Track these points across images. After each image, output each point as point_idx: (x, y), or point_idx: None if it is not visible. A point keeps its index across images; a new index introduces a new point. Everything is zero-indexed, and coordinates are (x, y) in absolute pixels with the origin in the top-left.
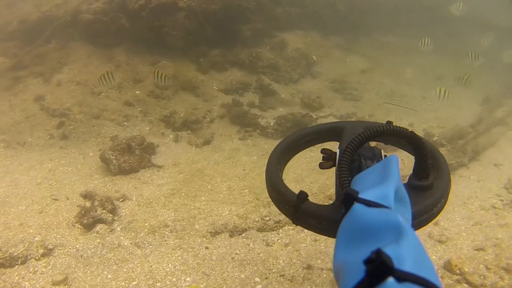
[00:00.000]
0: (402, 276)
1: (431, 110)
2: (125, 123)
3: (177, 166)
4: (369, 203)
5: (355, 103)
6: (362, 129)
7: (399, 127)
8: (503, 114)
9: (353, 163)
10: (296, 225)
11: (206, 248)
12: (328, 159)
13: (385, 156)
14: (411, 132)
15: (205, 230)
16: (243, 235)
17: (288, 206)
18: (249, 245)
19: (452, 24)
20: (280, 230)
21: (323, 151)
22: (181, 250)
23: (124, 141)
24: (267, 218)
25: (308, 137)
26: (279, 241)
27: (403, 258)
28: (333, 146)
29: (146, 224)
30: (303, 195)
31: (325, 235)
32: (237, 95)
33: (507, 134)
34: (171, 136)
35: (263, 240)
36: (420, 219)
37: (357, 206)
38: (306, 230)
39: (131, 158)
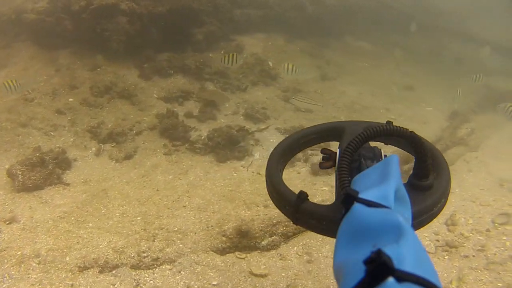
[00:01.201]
0: (402, 276)
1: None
2: (52, 133)
3: (86, 184)
4: (369, 203)
5: (307, 115)
6: (362, 129)
7: (399, 127)
8: (465, 132)
9: (353, 163)
10: (296, 225)
11: (71, 285)
12: (328, 159)
13: (385, 156)
14: (411, 132)
15: (74, 263)
16: (114, 272)
17: (288, 206)
18: (114, 285)
19: (429, 30)
20: (157, 269)
21: (323, 151)
22: (40, 286)
23: (37, 154)
24: (145, 254)
25: (308, 137)
26: (151, 281)
27: (403, 258)
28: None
29: (19, 253)
30: (303, 195)
31: (325, 235)
32: (177, 104)
33: (466, 156)
34: (93, 149)
35: (134, 279)
36: (420, 219)
37: (357, 206)
38: (184, 272)
39: (37, 174)
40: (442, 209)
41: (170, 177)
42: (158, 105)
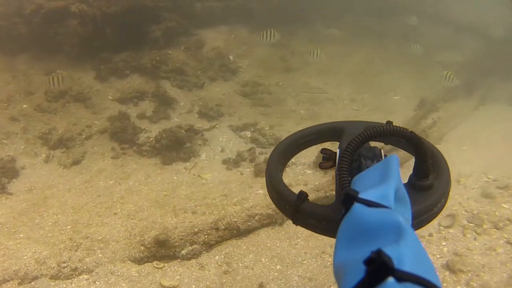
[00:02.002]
0: (402, 276)
1: (356, 116)
2: (4, 141)
3: (29, 193)
4: (369, 203)
5: (264, 110)
6: (362, 129)
7: (399, 127)
8: (429, 123)
9: (353, 163)
10: (296, 225)
11: None
12: (328, 159)
13: (385, 156)
14: (411, 132)
15: None
16: (33, 283)
17: (288, 206)
18: None
19: (402, 16)
20: (75, 280)
21: (323, 151)
22: None
23: None
24: (65, 265)
25: (308, 137)
26: None
27: (403, 258)
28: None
29: None
30: (303, 195)
31: (325, 235)
32: (131, 105)
33: None
34: (43, 155)
35: None
36: (420, 219)
37: (357, 206)
38: (98, 282)
39: None
40: (442, 209)
41: (111, 182)
42: (112, 107)
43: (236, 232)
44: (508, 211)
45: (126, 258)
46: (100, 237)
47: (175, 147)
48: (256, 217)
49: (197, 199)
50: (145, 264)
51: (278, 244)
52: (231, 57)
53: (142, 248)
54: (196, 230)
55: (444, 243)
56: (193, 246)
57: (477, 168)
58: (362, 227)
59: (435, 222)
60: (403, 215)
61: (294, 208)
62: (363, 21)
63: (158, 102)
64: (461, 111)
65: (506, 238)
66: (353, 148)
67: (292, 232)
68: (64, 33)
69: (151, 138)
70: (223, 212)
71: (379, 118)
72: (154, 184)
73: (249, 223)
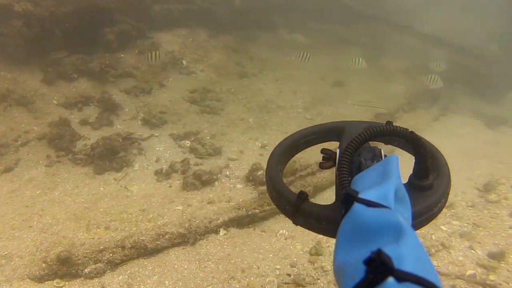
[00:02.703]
0: (402, 276)
1: (305, 126)
2: None
3: None
4: (369, 203)
5: (211, 117)
6: (363, 129)
7: (399, 127)
8: None
9: (353, 163)
10: (296, 225)
11: None
12: (328, 159)
13: (385, 156)
14: (411, 132)
15: None
16: None
17: (288, 206)
18: None
19: (370, 23)
20: None
21: (323, 151)
22: None
23: None
24: None
25: (308, 137)
26: None
27: (403, 258)
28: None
29: None
30: (303, 195)
31: (325, 235)
32: (76, 110)
33: None
34: None
35: None
36: (420, 219)
37: (357, 206)
38: None
39: None
40: (442, 209)
41: (38, 192)
42: (55, 112)
43: (144, 251)
44: (445, 234)
45: (25, 276)
46: (6, 252)
47: (109, 156)
48: (167, 236)
49: (114, 214)
50: (46, 282)
51: (186, 266)
52: (184, 62)
53: (44, 265)
54: (101, 247)
55: None
56: (97, 265)
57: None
58: (362, 227)
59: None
60: (403, 215)
61: (294, 208)
62: (330, 28)
63: (103, 107)
64: (419, 122)
65: (435, 265)
66: (353, 148)
67: (203, 253)
68: (8, 34)
69: (88, 146)
70: (134, 228)
71: None
72: (79, 196)
73: (157, 242)
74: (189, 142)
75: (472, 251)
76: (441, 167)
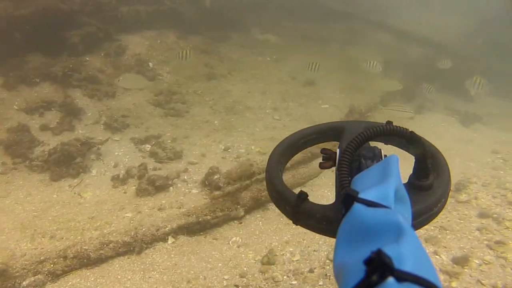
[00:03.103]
0: (402, 276)
1: (274, 127)
2: None
3: None
4: (369, 203)
5: (176, 120)
6: (362, 129)
7: (399, 127)
8: None
9: (353, 163)
10: (296, 225)
11: None
12: (328, 159)
13: (385, 156)
14: (411, 132)
15: None
16: None
17: (288, 206)
18: None
19: (347, 21)
20: None
21: (323, 151)
22: None
23: None
24: None
25: (308, 137)
26: None
27: (403, 258)
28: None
29: None
30: (303, 195)
31: (325, 235)
32: (37, 115)
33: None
34: None
35: None
36: (420, 219)
37: (357, 206)
38: None
39: None
40: (442, 209)
41: None
42: (16, 118)
43: (87, 261)
44: None
45: None
46: None
47: (66, 162)
48: (111, 245)
49: (63, 222)
50: None
51: (129, 277)
52: (150, 64)
53: None
54: (42, 258)
55: (321, 282)
56: (37, 277)
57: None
58: (362, 227)
59: (323, 255)
60: (403, 215)
61: (294, 208)
62: (305, 26)
63: (65, 112)
64: (393, 121)
65: None
66: (353, 148)
67: (149, 263)
68: None
69: (45, 152)
70: (79, 237)
71: (299, 128)
72: (31, 204)
73: (101, 252)
74: (150, 146)
75: (437, 256)
76: (441, 167)
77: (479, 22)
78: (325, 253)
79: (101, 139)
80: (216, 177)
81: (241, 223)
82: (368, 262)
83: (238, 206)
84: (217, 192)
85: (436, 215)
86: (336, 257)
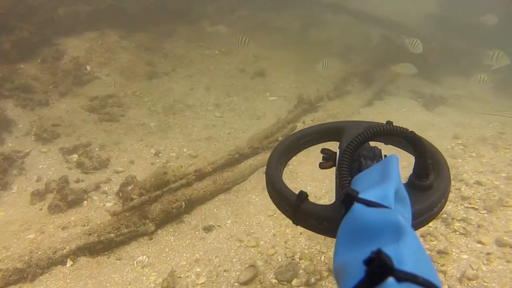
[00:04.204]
0: (402, 276)
1: (213, 125)
2: None
3: None
4: (369, 203)
5: (111, 125)
6: (363, 129)
7: (399, 127)
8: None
9: (353, 163)
10: (296, 225)
11: None
12: (328, 159)
13: (385, 156)
14: (411, 132)
15: None
16: None
17: (288, 206)
18: None
19: (306, 6)
20: None
21: (323, 151)
22: None
23: None
24: None
25: (308, 137)
26: None
27: (403, 258)
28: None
29: None
30: (303, 195)
31: (325, 235)
32: None
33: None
34: None
35: None
36: (420, 219)
37: (357, 206)
38: None
39: None
40: (442, 209)
41: None
42: None
43: None
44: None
45: None
46: None
47: None
48: (0, 274)
49: None
50: None
51: None
52: (88, 67)
53: None
54: None
55: None
56: None
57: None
58: (362, 227)
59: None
60: (403, 215)
61: (294, 208)
62: (261, 15)
63: None
64: (345, 110)
65: None
66: (353, 148)
67: None
68: None
69: None
70: None
71: (240, 124)
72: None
73: None
74: (77, 156)
75: None
76: (441, 167)
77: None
78: (237, 273)
79: (28, 151)
80: (130, 188)
81: (151, 239)
82: (368, 262)
83: (147, 221)
84: (131, 204)
85: (436, 215)
86: (336, 257)
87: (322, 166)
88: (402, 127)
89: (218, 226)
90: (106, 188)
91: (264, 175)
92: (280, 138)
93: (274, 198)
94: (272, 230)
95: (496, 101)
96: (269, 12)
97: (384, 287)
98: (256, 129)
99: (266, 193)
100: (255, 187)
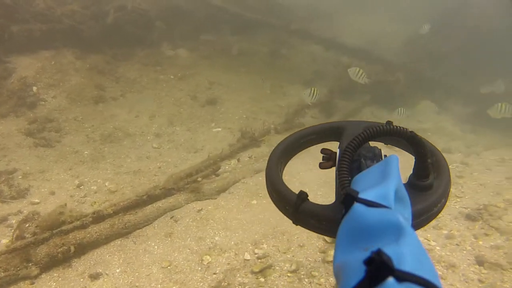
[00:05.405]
0: (402, 276)
1: (147, 157)
2: None
3: None
4: (369, 203)
5: (45, 151)
6: (362, 129)
7: (399, 127)
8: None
9: (353, 163)
10: (296, 225)
11: None
12: (328, 159)
13: (385, 156)
14: (411, 132)
15: None
16: None
17: (288, 206)
18: None
19: (273, 33)
20: None
21: (323, 151)
22: None
23: None
24: None
25: (308, 137)
26: None
27: (403, 258)
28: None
29: None
30: (303, 195)
31: (325, 235)
32: None
33: (182, 210)
34: None
35: None
36: (420, 219)
37: (357, 206)
38: None
39: None
40: (442, 209)
41: None
42: None
43: None
44: None
45: None
46: None
47: None
48: None
49: None
50: None
51: None
52: (34, 89)
53: None
54: None
55: None
56: None
57: (250, 235)
58: (362, 227)
59: None
60: (403, 215)
61: (294, 208)
62: (226, 40)
63: None
64: None
65: None
66: (353, 148)
67: None
68: None
69: None
70: None
71: (175, 157)
72: None
73: None
74: None
75: None
76: (441, 167)
77: (418, 30)
78: None
79: None
80: (28, 225)
81: (32, 283)
82: (368, 262)
83: (30, 264)
84: (18, 243)
85: (436, 215)
86: (336, 257)
87: (322, 166)
88: (402, 127)
89: (106, 274)
90: (13, 221)
91: (264, 175)
92: (199, 179)
93: (274, 198)
94: (159, 286)
95: (465, 138)
96: (236, 36)
97: (384, 287)
98: (190, 164)
99: (167, 240)
100: (157, 234)
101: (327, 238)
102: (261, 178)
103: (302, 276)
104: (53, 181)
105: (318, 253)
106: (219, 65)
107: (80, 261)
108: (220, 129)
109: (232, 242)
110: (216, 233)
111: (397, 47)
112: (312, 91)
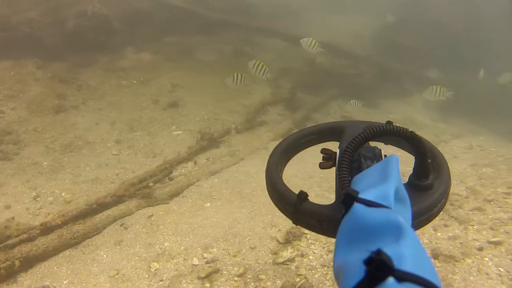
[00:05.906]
0: (402, 276)
1: (106, 164)
2: None
3: None
4: (369, 203)
5: (2, 164)
6: (362, 129)
7: (399, 126)
8: (179, 172)
9: (353, 163)
10: (296, 225)
11: None
12: (328, 159)
13: (385, 156)
14: (411, 132)
15: None
16: None
17: (288, 206)
18: None
19: (238, 31)
20: None
21: (323, 151)
22: None
23: None
24: None
25: (308, 137)
26: None
27: (403, 258)
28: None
29: None
30: (303, 195)
31: (325, 235)
32: None
33: (134, 216)
34: None
35: None
36: (420, 219)
37: (357, 206)
38: None
39: None
40: (442, 209)
41: None
42: None
43: None
44: None
45: None
46: None
47: None
48: None
49: None
50: None
51: None
52: None
53: None
54: None
55: None
56: None
57: (201, 239)
58: (362, 227)
59: None
60: (403, 215)
61: (294, 208)
62: (189, 40)
63: None
64: (249, 145)
65: None
66: (353, 148)
67: None
68: None
69: None
70: None
71: (133, 163)
72: None
73: None
74: None
75: None
76: (441, 167)
77: (385, 24)
78: None
79: None
80: None
81: None
82: (368, 262)
83: None
84: None
85: (436, 215)
86: (336, 257)
87: (322, 166)
88: (402, 127)
89: (54, 286)
90: None
91: (264, 175)
92: (151, 184)
93: (274, 198)
94: None
95: (434, 127)
96: (199, 37)
97: (384, 287)
98: (147, 169)
99: (116, 249)
100: (107, 242)
101: (280, 239)
102: (217, 180)
103: (249, 280)
104: (9, 194)
105: (270, 255)
106: (182, 67)
107: (26, 275)
108: (180, 132)
109: (182, 247)
110: (166, 238)
111: (364, 41)
112: (235, 76)
